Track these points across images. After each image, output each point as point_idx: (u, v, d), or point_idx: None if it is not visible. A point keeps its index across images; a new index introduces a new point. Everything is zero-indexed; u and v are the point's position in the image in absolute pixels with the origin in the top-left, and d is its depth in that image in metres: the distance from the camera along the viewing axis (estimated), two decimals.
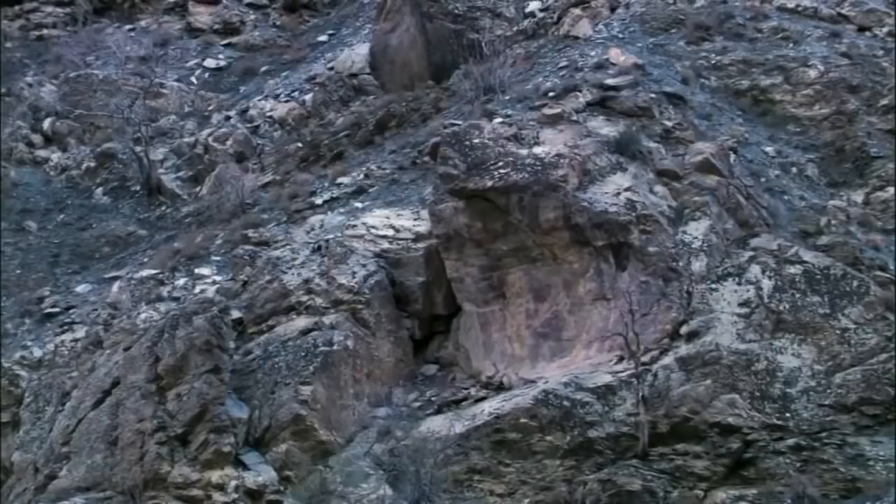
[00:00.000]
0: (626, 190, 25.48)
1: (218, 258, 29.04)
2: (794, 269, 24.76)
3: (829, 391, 23.57)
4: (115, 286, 28.97)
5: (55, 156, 36.96)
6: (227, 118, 37.12)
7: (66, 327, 28.57)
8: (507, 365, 25.21)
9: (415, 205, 28.13)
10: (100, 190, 35.27)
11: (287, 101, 37.12)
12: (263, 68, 40.50)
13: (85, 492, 24.09)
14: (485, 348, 25.57)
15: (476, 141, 26.10)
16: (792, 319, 24.23)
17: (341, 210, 28.93)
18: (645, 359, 23.87)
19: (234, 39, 43.06)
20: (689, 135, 27.36)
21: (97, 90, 38.55)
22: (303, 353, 24.96)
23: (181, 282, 28.38)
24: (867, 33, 32.13)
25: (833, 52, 30.72)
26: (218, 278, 28.10)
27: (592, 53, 30.36)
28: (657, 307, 24.54)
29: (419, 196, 28.45)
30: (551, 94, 28.25)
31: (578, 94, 27.99)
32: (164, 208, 34.11)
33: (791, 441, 23.23)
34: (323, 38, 41.63)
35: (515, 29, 34.57)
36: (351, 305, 25.82)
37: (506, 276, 25.63)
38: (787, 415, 23.38)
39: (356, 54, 37.99)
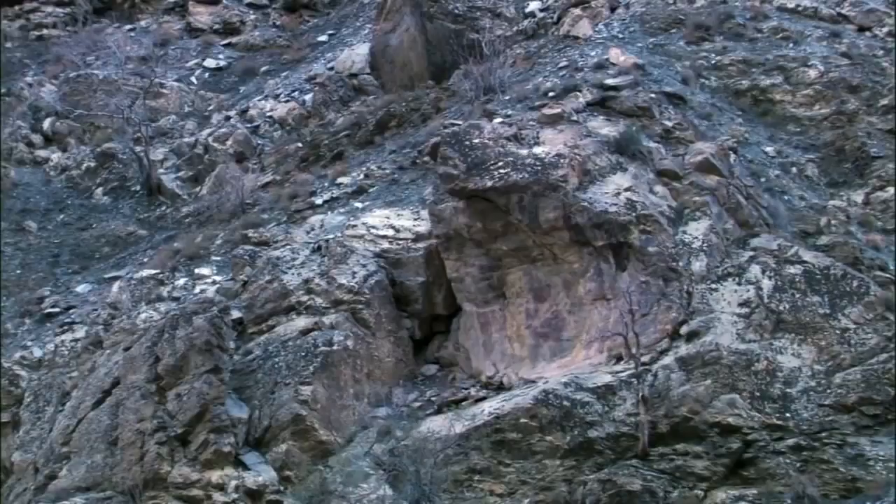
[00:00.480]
0: (626, 190, 25.46)
1: (218, 258, 29.03)
2: (794, 269, 24.72)
3: (829, 391, 23.53)
4: (115, 286, 28.96)
5: (55, 156, 36.96)
6: (227, 118, 37.12)
7: (66, 327, 28.56)
8: (507, 365, 25.19)
9: (415, 205, 28.11)
10: (100, 190, 35.27)
11: (287, 101, 37.13)
12: (263, 68, 40.52)
13: (85, 492, 24.04)
14: (485, 348, 25.56)
15: (476, 141, 26.08)
16: (792, 319, 24.19)
17: (341, 210, 28.92)
18: (645, 359, 23.84)
19: (234, 39, 43.10)
20: (689, 135, 27.35)
21: (97, 90, 38.58)
22: (303, 353, 24.93)
23: (181, 282, 28.37)
24: (867, 33, 32.18)
25: (833, 52, 30.76)
26: (218, 278, 28.09)
27: (592, 53, 30.40)
28: (657, 307, 24.52)
29: (419, 196, 28.44)
30: (551, 94, 28.26)
31: (578, 94, 28.01)
32: (164, 208, 34.10)
33: (791, 441, 23.18)
34: (323, 38, 41.66)
35: (515, 29, 34.62)
36: (351, 305, 25.79)
37: (506, 276, 25.62)
38: (787, 415, 23.34)
39: (356, 54, 38.01)
